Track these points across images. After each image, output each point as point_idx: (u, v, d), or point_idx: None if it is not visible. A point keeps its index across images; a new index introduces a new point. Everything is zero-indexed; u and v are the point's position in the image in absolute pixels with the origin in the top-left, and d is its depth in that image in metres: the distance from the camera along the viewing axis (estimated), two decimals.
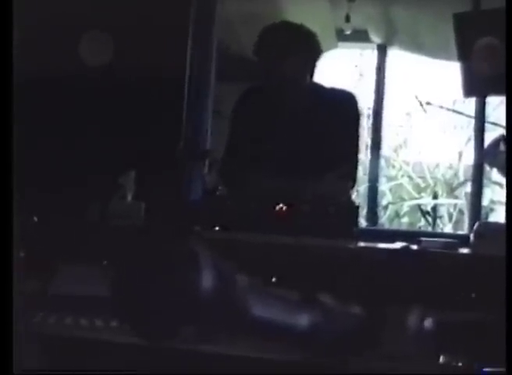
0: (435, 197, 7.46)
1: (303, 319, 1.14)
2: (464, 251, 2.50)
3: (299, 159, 3.18)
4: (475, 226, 2.55)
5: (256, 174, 3.16)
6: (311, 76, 3.29)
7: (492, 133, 5.78)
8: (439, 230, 7.16)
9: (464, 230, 6.58)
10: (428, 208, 7.26)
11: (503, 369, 1.24)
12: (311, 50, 3.25)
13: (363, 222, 6.17)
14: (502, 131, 5.37)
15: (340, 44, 6.35)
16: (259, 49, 3.24)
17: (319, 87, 3.32)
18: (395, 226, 7.59)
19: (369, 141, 6.71)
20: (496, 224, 3.17)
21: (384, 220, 7.56)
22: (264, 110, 3.31)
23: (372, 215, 6.67)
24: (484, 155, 5.69)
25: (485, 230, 2.48)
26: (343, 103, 3.27)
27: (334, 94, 3.32)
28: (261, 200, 2.72)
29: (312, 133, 3.23)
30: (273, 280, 2.05)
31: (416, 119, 7.70)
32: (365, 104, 6.47)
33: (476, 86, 5.36)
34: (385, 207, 7.69)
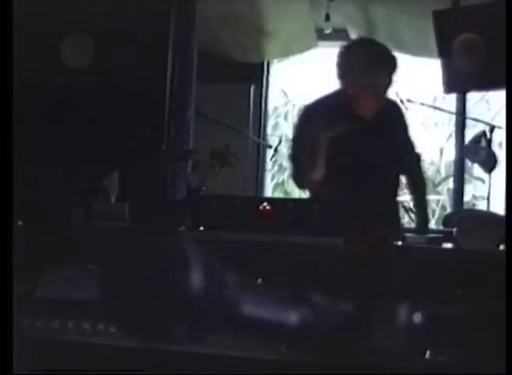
0: None
1: (291, 317, 1.14)
2: (448, 245, 2.53)
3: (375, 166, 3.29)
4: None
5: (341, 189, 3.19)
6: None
7: (472, 130, 5.81)
8: None
9: None
10: (411, 205, 7.27)
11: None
12: (395, 65, 3.35)
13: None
14: (482, 127, 5.42)
15: (320, 43, 6.36)
16: (345, 64, 3.33)
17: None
18: None
19: None
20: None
21: None
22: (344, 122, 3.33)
23: None
24: (465, 151, 5.73)
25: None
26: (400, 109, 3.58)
27: (391, 103, 3.55)
28: (245, 199, 2.72)
29: (385, 139, 3.34)
30: (259, 281, 2.05)
31: None
32: None
33: (456, 82, 5.39)
34: None
